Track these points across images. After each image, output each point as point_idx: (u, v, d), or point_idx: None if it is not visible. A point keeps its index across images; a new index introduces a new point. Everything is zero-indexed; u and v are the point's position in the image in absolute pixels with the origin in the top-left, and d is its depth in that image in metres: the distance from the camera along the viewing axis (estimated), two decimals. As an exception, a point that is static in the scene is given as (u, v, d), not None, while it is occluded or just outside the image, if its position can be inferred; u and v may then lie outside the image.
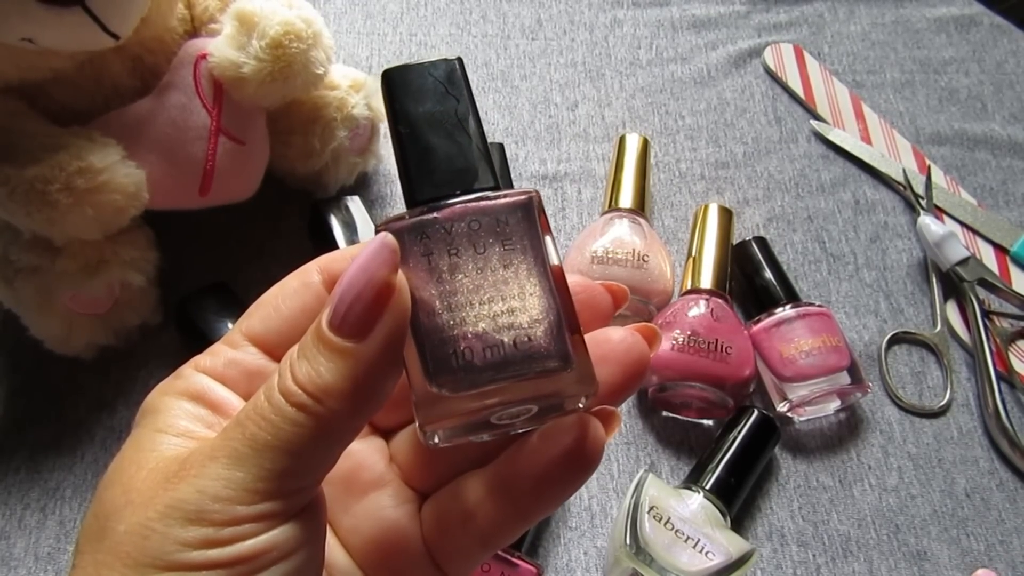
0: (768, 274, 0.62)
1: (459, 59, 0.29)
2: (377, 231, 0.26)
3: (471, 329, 0.25)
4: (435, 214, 0.26)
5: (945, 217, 0.69)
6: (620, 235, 0.61)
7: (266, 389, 0.24)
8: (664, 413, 0.59)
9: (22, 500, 0.54)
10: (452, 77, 0.29)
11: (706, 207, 0.64)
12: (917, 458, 0.59)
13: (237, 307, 0.56)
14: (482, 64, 0.75)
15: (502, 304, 0.26)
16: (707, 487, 0.52)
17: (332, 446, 0.25)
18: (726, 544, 0.49)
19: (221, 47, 0.54)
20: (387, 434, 0.31)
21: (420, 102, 0.28)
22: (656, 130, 0.73)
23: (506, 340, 0.25)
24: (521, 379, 0.25)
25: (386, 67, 0.29)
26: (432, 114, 0.28)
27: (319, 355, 0.24)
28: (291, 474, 0.24)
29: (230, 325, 0.29)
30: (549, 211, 0.67)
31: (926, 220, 0.66)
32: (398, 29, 0.77)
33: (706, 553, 0.48)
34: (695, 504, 0.51)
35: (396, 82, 0.28)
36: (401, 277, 0.25)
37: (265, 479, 0.23)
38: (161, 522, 0.23)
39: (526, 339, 0.25)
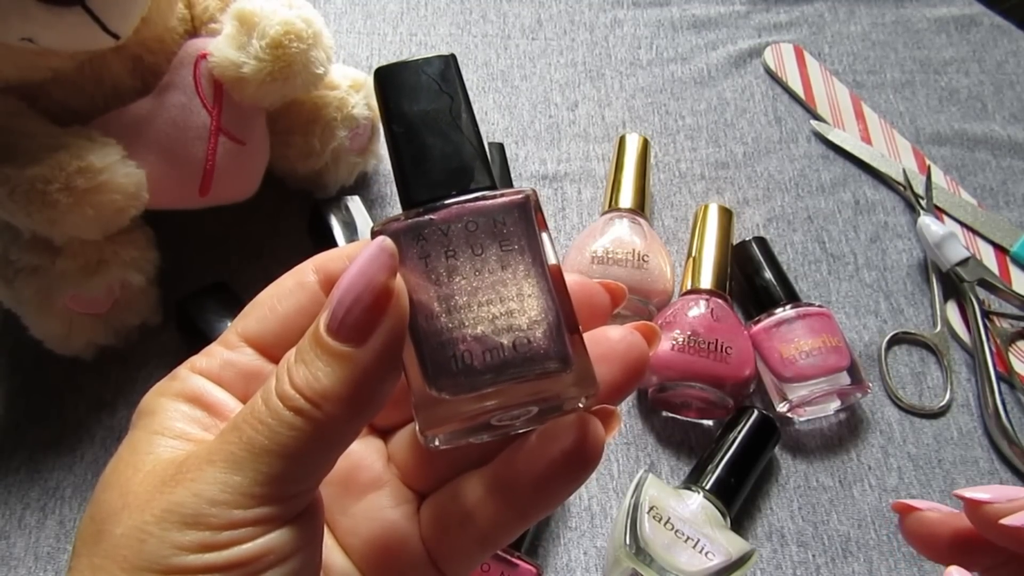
0: (768, 274, 0.62)
1: (452, 55, 0.28)
2: (373, 234, 0.26)
3: (470, 332, 0.25)
4: (431, 216, 0.26)
5: (945, 217, 0.69)
6: (620, 235, 0.61)
7: (263, 393, 0.24)
8: (664, 413, 0.59)
9: (22, 500, 0.54)
10: (446, 74, 0.28)
11: (706, 207, 0.64)
12: (917, 459, 0.59)
13: (237, 307, 0.55)
14: (482, 64, 0.75)
15: (500, 306, 0.26)
16: (707, 487, 0.52)
17: (330, 451, 0.25)
18: (726, 544, 0.49)
19: (221, 47, 0.54)
20: (385, 434, 0.31)
21: (414, 100, 0.28)
22: (656, 130, 0.72)
23: (505, 342, 0.25)
24: (521, 381, 0.25)
25: (378, 65, 0.28)
26: (426, 112, 0.28)
27: (317, 359, 0.24)
28: (288, 478, 0.24)
29: (230, 325, 0.29)
30: (549, 211, 0.67)
31: (926, 220, 0.66)
32: (398, 29, 0.77)
33: (706, 553, 0.48)
34: (695, 504, 0.51)
35: (389, 80, 0.28)
36: (400, 281, 0.25)
37: (262, 483, 0.23)
38: (158, 526, 0.23)
39: (525, 341, 0.25)
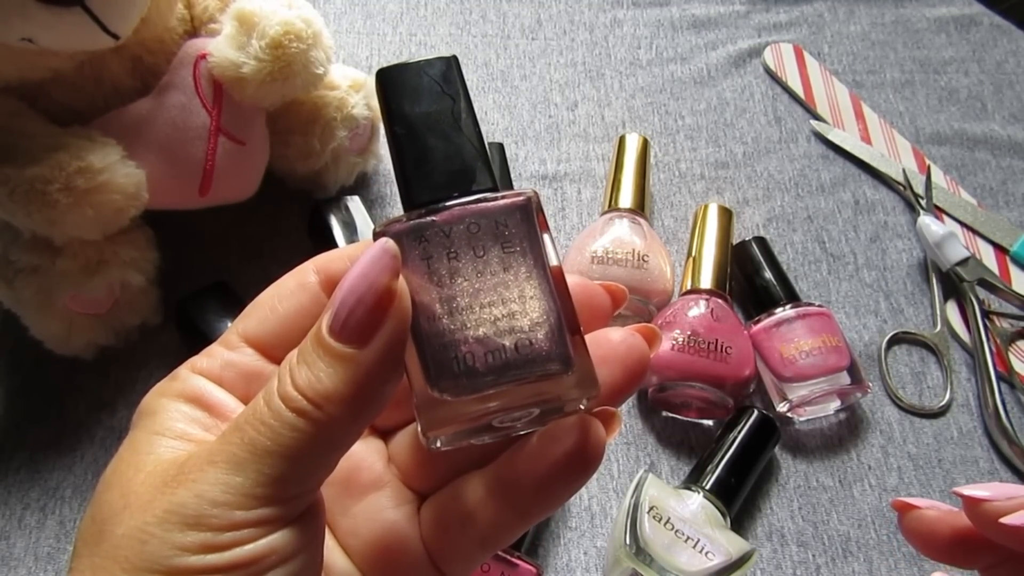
0: (768, 274, 0.62)
1: (454, 57, 0.29)
2: (375, 235, 0.26)
3: (472, 333, 0.25)
4: (433, 217, 0.26)
5: (945, 217, 0.69)
6: (620, 235, 0.61)
7: (265, 394, 0.24)
8: (664, 413, 0.59)
9: (22, 500, 0.54)
10: (448, 76, 0.28)
11: (706, 207, 0.64)
12: (917, 458, 0.59)
13: (237, 307, 0.56)
14: (482, 64, 0.75)
15: (502, 307, 0.26)
16: (707, 487, 0.52)
17: (331, 452, 0.25)
18: (726, 544, 0.49)
19: (221, 47, 0.54)
20: (385, 434, 0.31)
21: (416, 102, 0.28)
22: (656, 130, 0.72)
23: (507, 344, 0.25)
24: (523, 383, 0.25)
25: (380, 66, 0.28)
26: (428, 114, 0.28)
27: (319, 360, 0.24)
28: (290, 479, 0.24)
29: (230, 325, 0.29)
30: (549, 211, 0.67)
31: (926, 220, 0.66)
32: (398, 29, 0.77)
33: (706, 553, 0.48)
34: (695, 504, 0.51)
35: (391, 82, 0.28)
36: (402, 283, 0.25)
37: (264, 484, 0.23)
38: (159, 526, 0.23)
39: (527, 342, 0.25)
